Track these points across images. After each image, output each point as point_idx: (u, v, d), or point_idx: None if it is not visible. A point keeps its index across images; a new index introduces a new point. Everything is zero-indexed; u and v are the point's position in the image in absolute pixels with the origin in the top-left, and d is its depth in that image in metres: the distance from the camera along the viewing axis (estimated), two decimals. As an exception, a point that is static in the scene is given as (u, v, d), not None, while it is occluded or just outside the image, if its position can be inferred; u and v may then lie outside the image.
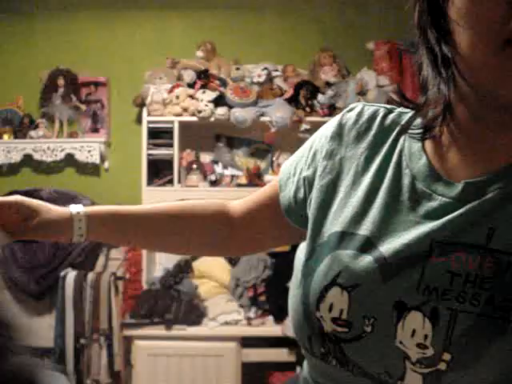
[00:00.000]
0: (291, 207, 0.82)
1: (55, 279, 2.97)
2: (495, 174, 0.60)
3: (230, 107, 2.89)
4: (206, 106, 2.87)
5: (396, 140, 0.71)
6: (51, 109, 3.22)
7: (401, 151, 0.69)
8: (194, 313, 2.71)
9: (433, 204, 0.63)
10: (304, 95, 2.95)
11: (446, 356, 0.58)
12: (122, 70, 3.29)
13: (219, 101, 2.91)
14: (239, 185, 2.95)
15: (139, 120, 3.15)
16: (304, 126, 2.88)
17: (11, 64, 3.32)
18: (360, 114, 0.78)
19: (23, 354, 0.89)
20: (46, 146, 3.18)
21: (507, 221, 0.58)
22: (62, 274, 2.93)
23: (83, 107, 3.25)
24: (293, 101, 2.96)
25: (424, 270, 0.60)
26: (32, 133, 3.20)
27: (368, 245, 0.64)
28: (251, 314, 2.71)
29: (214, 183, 2.91)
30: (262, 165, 3.07)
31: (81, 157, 3.20)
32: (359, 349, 0.63)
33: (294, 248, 2.75)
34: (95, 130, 3.27)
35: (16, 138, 3.22)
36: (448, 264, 0.59)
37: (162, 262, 3.17)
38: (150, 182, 2.92)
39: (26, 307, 3.16)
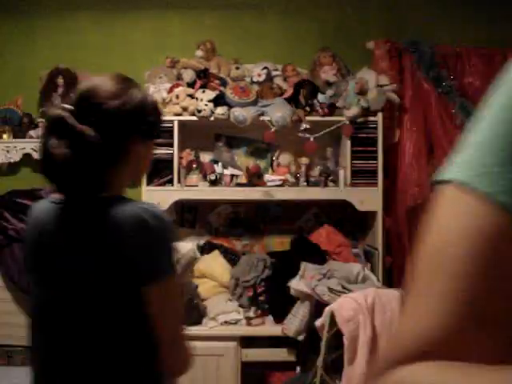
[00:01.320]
0: None
1: (55, 279, 2.97)
2: None
3: (230, 106, 2.89)
4: (206, 105, 2.86)
5: None
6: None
7: None
8: (194, 312, 2.70)
9: None
10: (304, 95, 2.95)
11: None
12: (122, 69, 3.26)
13: (219, 100, 2.90)
14: (239, 184, 2.95)
15: (139, 119, 3.15)
16: (304, 126, 2.88)
17: (11, 63, 3.32)
18: None
19: None
20: (46, 145, 3.18)
21: None
22: (62, 273, 2.93)
23: (83, 107, 3.24)
24: (293, 100, 2.95)
25: None
26: (31, 132, 3.19)
27: None
28: (251, 314, 2.71)
29: (213, 183, 2.90)
30: (262, 164, 3.07)
31: (80, 156, 3.20)
32: None
33: (294, 247, 2.74)
34: (95, 130, 3.26)
35: (15, 137, 3.22)
36: None
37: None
38: (149, 182, 2.91)
39: (26, 307, 3.16)
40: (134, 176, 1.24)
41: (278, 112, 2.86)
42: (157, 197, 2.89)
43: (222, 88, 2.98)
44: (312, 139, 2.90)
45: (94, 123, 1.07)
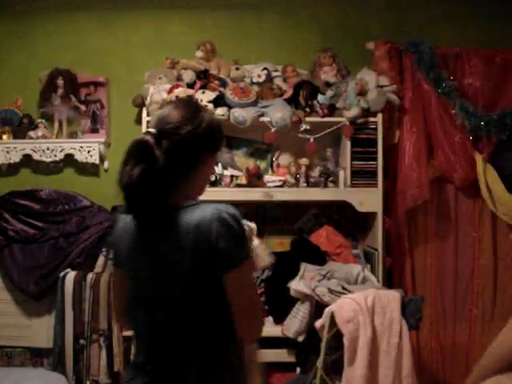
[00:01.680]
0: None
1: (54, 280, 2.96)
2: None
3: (230, 107, 2.89)
4: (206, 106, 2.86)
5: None
6: (50, 109, 3.21)
7: None
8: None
9: None
10: (304, 95, 2.95)
11: None
12: (122, 70, 3.29)
13: (219, 101, 2.90)
14: (239, 185, 2.94)
15: (139, 120, 3.15)
16: (304, 126, 2.88)
17: (10, 64, 3.32)
18: None
19: None
20: (46, 146, 3.18)
21: None
22: (62, 274, 2.93)
23: (83, 107, 3.24)
24: (292, 101, 2.95)
25: None
26: (31, 133, 3.19)
27: None
28: (251, 315, 2.71)
29: (213, 183, 2.90)
30: (262, 165, 3.07)
31: (80, 157, 3.20)
32: None
33: (294, 248, 2.73)
34: (95, 130, 3.26)
35: (15, 138, 3.21)
36: None
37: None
38: (149, 183, 2.91)
39: (26, 308, 3.15)
40: (204, 183, 1.46)
41: (277, 113, 2.86)
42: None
43: (221, 89, 2.97)
44: (312, 140, 2.90)
45: (172, 146, 1.30)
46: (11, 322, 3.15)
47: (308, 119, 2.90)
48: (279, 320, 2.68)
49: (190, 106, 1.41)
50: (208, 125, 1.39)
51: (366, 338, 2.27)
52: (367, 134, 2.89)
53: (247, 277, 1.31)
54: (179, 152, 1.30)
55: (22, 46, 3.32)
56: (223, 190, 2.90)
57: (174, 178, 1.30)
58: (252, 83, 3.05)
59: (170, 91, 2.94)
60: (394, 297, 2.39)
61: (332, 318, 2.29)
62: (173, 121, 1.33)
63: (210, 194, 2.85)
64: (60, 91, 3.19)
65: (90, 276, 2.89)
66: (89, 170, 3.28)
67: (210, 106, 2.87)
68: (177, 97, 2.74)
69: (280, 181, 2.94)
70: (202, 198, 1.44)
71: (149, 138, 1.29)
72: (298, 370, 2.63)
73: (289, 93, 2.98)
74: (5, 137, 3.20)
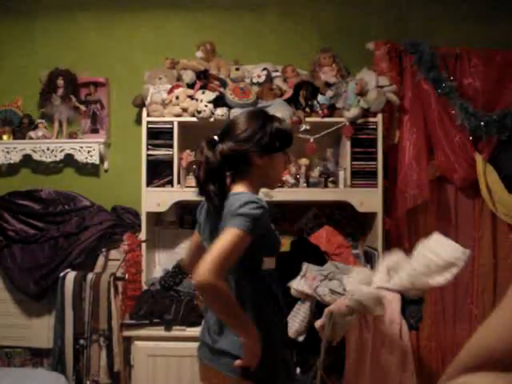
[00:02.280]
0: None
1: (55, 280, 2.96)
2: None
3: (230, 108, 2.89)
4: (206, 106, 2.86)
5: None
6: (50, 109, 3.21)
7: None
8: (194, 313, 2.70)
9: None
10: (304, 96, 2.95)
11: None
12: (122, 70, 3.29)
13: (219, 101, 2.90)
14: (239, 185, 2.94)
15: (139, 120, 3.15)
16: (304, 127, 2.88)
17: (11, 64, 3.32)
18: None
19: None
20: (46, 146, 3.18)
21: None
22: (62, 274, 2.93)
23: (83, 108, 3.24)
24: (292, 101, 2.95)
25: None
26: (31, 133, 3.20)
27: None
28: (251, 315, 2.71)
29: (213, 184, 2.90)
30: (262, 165, 3.06)
31: (80, 157, 3.20)
32: None
33: (294, 248, 2.74)
34: (95, 131, 3.26)
35: (15, 138, 3.22)
36: None
37: (161, 263, 3.16)
38: (149, 183, 2.92)
39: (26, 308, 3.16)
40: (264, 181, 1.77)
41: (277, 113, 2.84)
42: (157, 198, 2.88)
43: (221, 89, 2.98)
44: (312, 140, 2.90)
45: (230, 147, 1.67)
46: (11, 322, 3.15)
47: (308, 119, 2.90)
48: (279, 320, 2.67)
49: (249, 115, 1.75)
50: (255, 131, 1.69)
51: (367, 338, 2.27)
52: (367, 134, 2.89)
53: (226, 238, 1.52)
54: (234, 153, 1.66)
55: (22, 46, 3.32)
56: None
57: (228, 171, 1.69)
58: (252, 83, 3.05)
59: (170, 91, 2.95)
60: (394, 296, 2.39)
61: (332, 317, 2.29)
62: (232, 128, 1.70)
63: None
64: (60, 91, 3.19)
65: (89, 276, 2.89)
66: (89, 170, 3.28)
67: (210, 106, 2.87)
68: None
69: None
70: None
71: (204, 143, 1.69)
72: (298, 369, 2.63)
73: (289, 93, 2.98)
74: (5, 137, 3.20)
